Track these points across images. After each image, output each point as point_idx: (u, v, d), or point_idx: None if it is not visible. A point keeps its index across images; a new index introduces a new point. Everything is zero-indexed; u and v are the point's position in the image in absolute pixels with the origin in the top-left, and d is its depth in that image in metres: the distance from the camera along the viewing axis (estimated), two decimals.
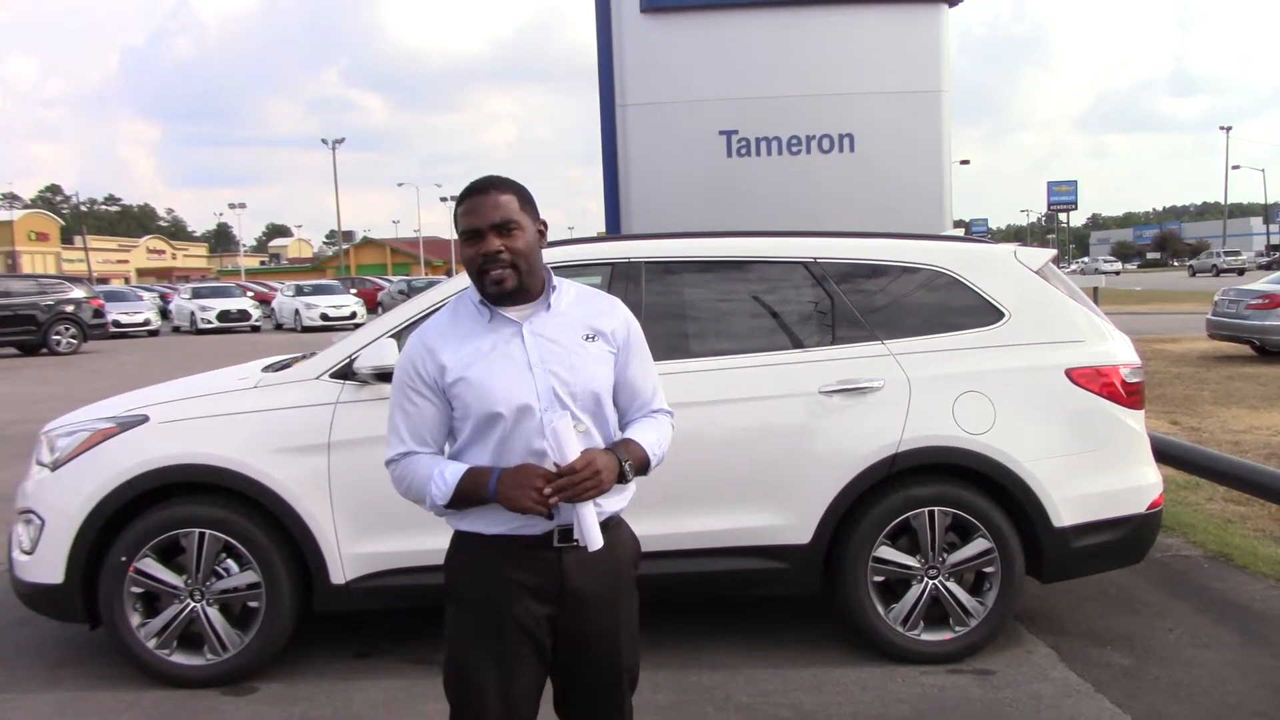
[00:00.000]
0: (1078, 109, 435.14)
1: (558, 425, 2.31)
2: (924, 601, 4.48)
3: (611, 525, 2.52)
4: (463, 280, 4.56)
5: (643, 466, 2.51)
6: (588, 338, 2.49)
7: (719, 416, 4.45)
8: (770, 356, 4.55)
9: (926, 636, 4.50)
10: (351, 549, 4.30)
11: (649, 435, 2.56)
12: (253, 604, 4.31)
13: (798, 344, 4.60)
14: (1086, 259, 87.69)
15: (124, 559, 4.22)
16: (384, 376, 4.27)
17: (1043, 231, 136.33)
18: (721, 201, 6.50)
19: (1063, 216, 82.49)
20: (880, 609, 4.48)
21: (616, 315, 2.58)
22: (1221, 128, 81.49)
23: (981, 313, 4.64)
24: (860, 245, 4.78)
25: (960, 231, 5.63)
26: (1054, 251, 5.01)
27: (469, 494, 2.37)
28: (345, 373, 4.37)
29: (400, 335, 4.40)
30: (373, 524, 4.29)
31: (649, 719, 3.99)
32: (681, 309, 4.74)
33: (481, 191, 2.41)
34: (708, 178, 6.59)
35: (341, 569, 4.30)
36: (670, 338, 4.59)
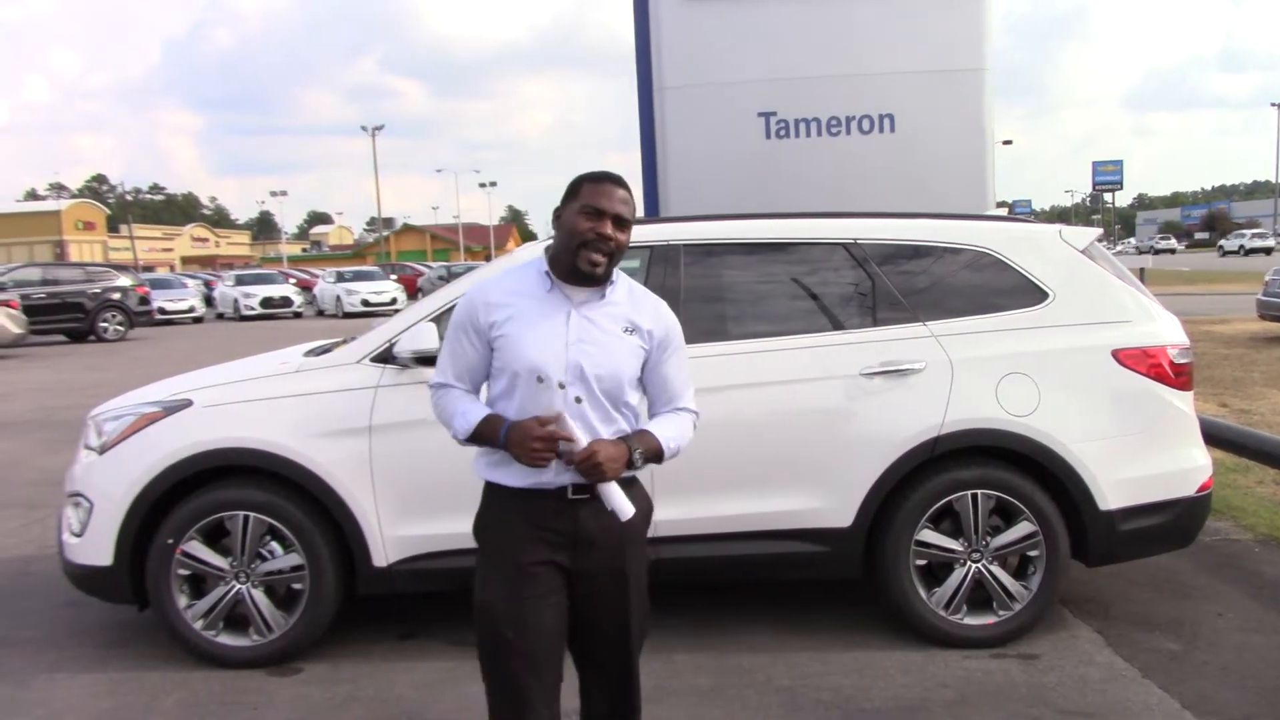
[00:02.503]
0: (1124, 87, 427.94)
1: (566, 419, 2.57)
2: (967, 585, 4.44)
3: (622, 484, 2.67)
4: (499, 265, 4.58)
5: (655, 456, 2.72)
6: (627, 330, 2.71)
7: (759, 399, 4.43)
8: (810, 338, 4.51)
9: (969, 620, 4.46)
10: (393, 532, 4.33)
11: (668, 430, 2.77)
12: (296, 586, 4.35)
13: (838, 326, 4.56)
14: (1133, 239, 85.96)
15: (170, 541, 4.28)
16: (424, 360, 4.30)
17: (1087, 212, 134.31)
18: (760, 184, 6.44)
19: (1108, 196, 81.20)
20: (923, 593, 4.44)
21: (660, 316, 2.79)
22: (1273, 104, 79.81)
23: (1025, 293, 4.58)
24: (901, 226, 4.72)
25: (1004, 212, 5.53)
26: (1099, 230, 4.93)
27: (485, 437, 2.64)
28: (385, 357, 4.39)
29: (440, 320, 4.41)
30: (414, 507, 4.32)
31: (690, 701, 4.01)
32: (721, 292, 4.71)
33: (615, 183, 2.68)
34: (746, 160, 6.53)
35: (384, 552, 4.33)
36: (709, 320, 4.57)
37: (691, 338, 4.51)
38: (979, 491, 4.41)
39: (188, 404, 4.43)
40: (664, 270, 4.55)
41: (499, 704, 2.68)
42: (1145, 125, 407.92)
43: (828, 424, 4.43)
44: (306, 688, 4.21)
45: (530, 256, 2.90)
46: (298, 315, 34.46)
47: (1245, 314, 18.01)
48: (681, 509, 4.38)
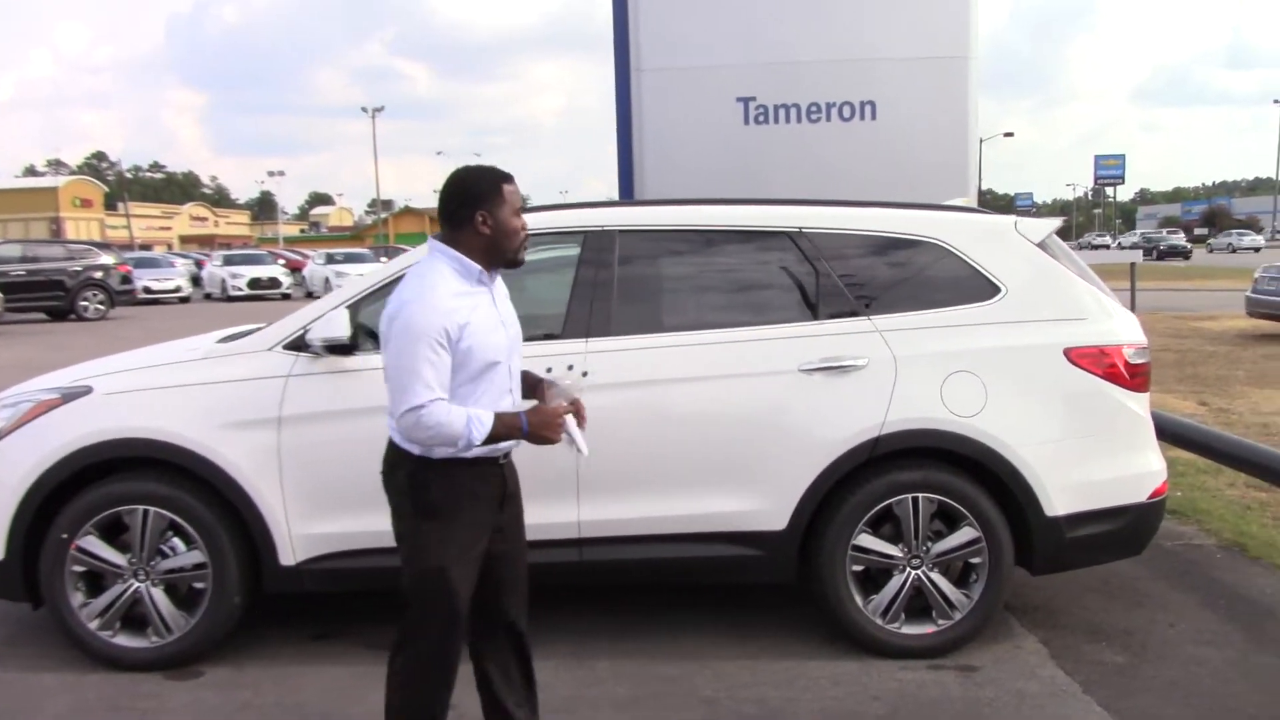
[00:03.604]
0: (1132, 82, 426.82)
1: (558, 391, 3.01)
2: (906, 593, 4.24)
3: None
4: (417, 254, 4.35)
5: None
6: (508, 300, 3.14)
7: (692, 394, 4.22)
8: (749, 331, 4.30)
9: (907, 630, 4.26)
10: (303, 529, 4.12)
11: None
12: (199, 585, 4.15)
13: (779, 319, 4.33)
14: (1132, 233, 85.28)
15: (65, 536, 4.07)
16: (336, 349, 4.09)
17: (1089, 206, 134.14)
18: (738, 171, 6.25)
19: (1109, 190, 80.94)
20: (859, 600, 4.24)
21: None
22: (1276, 101, 79.44)
23: (976, 287, 4.36)
24: (849, 215, 4.50)
25: (972, 203, 5.32)
26: (1059, 222, 4.69)
27: (500, 435, 2.90)
28: (298, 344, 4.18)
29: (357, 307, 4.21)
30: (325, 504, 4.12)
31: (605, 713, 3.82)
32: (657, 281, 4.51)
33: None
34: (724, 146, 6.34)
35: (292, 550, 4.13)
36: (644, 311, 4.38)
37: (624, 329, 4.38)
38: (920, 495, 4.20)
39: (87, 391, 4.22)
40: (598, 257, 4.34)
41: (433, 670, 3.03)
42: (1151, 120, 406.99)
43: (763, 422, 4.22)
44: (204, 692, 4.00)
45: (432, 260, 2.97)
46: (286, 297, 34.18)
47: (1236, 310, 17.79)
48: (608, 509, 4.18)
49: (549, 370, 3.54)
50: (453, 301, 2.85)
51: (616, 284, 4.32)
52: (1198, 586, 5.09)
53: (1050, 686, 4.00)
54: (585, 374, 3.79)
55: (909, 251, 4.43)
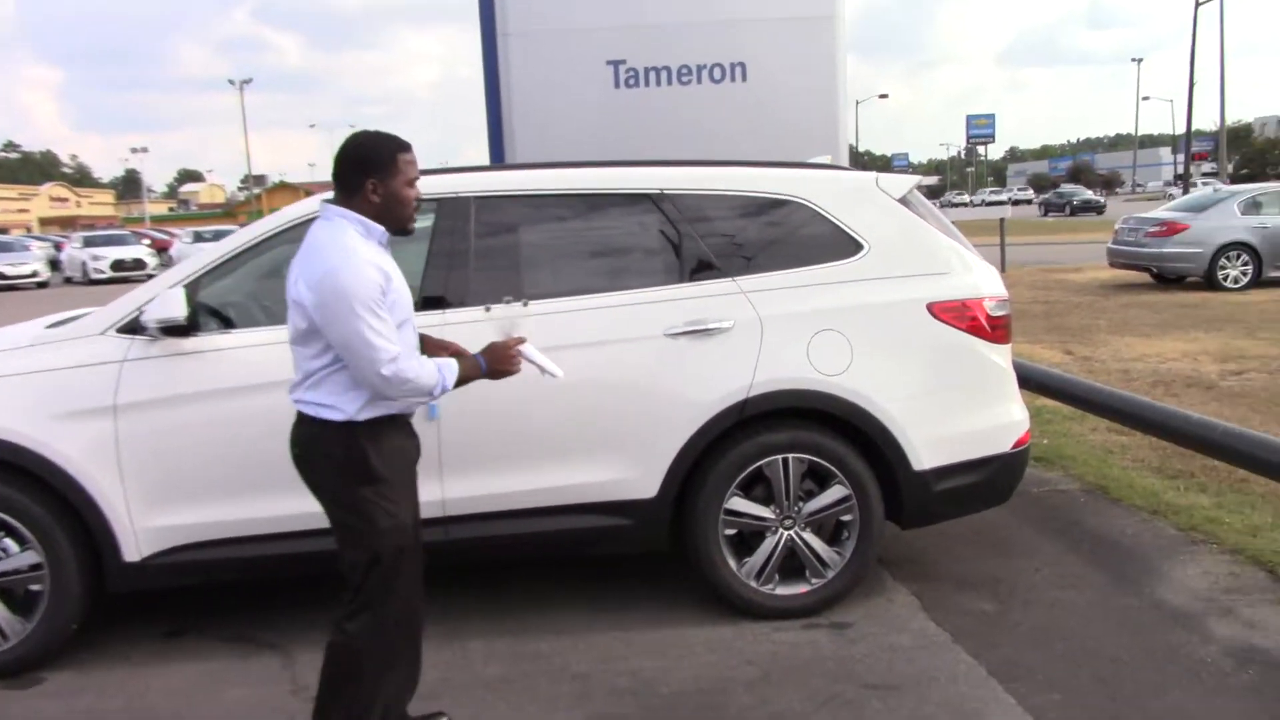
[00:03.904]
0: (999, 43, 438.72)
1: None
2: (779, 554, 4.22)
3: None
4: (259, 228, 4.13)
5: None
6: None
7: (555, 364, 4.09)
8: (611, 298, 4.19)
9: (782, 590, 4.25)
10: (146, 523, 3.89)
11: None
12: (35, 587, 3.87)
13: (642, 283, 4.24)
14: (998, 190, 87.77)
15: None
16: (172, 330, 3.85)
17: (962, 165, 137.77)
18: (611, 135, 6.11)
19: (981, 150, 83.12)
20: (733, 563, 4.21)
21: None
22: (1133, 59, 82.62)
23: (839, 245, 4.33)
24: (709, 175, 4.42)
25: (842, 162, 5.29)
26: (919, 178, 4.70)
27: (464, 378, 3.01)
28: (133, 327, 3.93)
29: (196, 285, 3.97)
30: (170, 494, 3.89)
31: (475, 694, 3.70)
32: (516, 248, 4.36)
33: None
34: (595, 110, 6.19)
35: (136, 545, 3.89)
36: (503, 279, 4.23)
37: (484, 297, 4.23)
38: (790, 455, 4.18)
39: None
40: (453, 225, 4.18)
41: (395, 624, 3.03)
42: (1019, 81, 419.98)
43: (629, 389, 4.13)
44: (43, 701, 3.75)
45: (336, 224, 2.92)
46: (152, 278, 32.81)
47: (1099, 262, 18.46)
48: (473, 484, 4.05)
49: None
50: (375, 259, 2.87)
51: (473, 253, 4.18)
52: (1063, 531, 5.22)
53: (921, 639, 4.04)
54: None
55: (772, 211, 4.37)
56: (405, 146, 2.99)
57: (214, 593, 4.50)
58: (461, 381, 3.00)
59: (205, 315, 3.96)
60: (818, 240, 4.34)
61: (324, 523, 3.05)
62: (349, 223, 2.92)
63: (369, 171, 2.91)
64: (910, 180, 4.60)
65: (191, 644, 4.21)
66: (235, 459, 3.91)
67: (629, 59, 6.25)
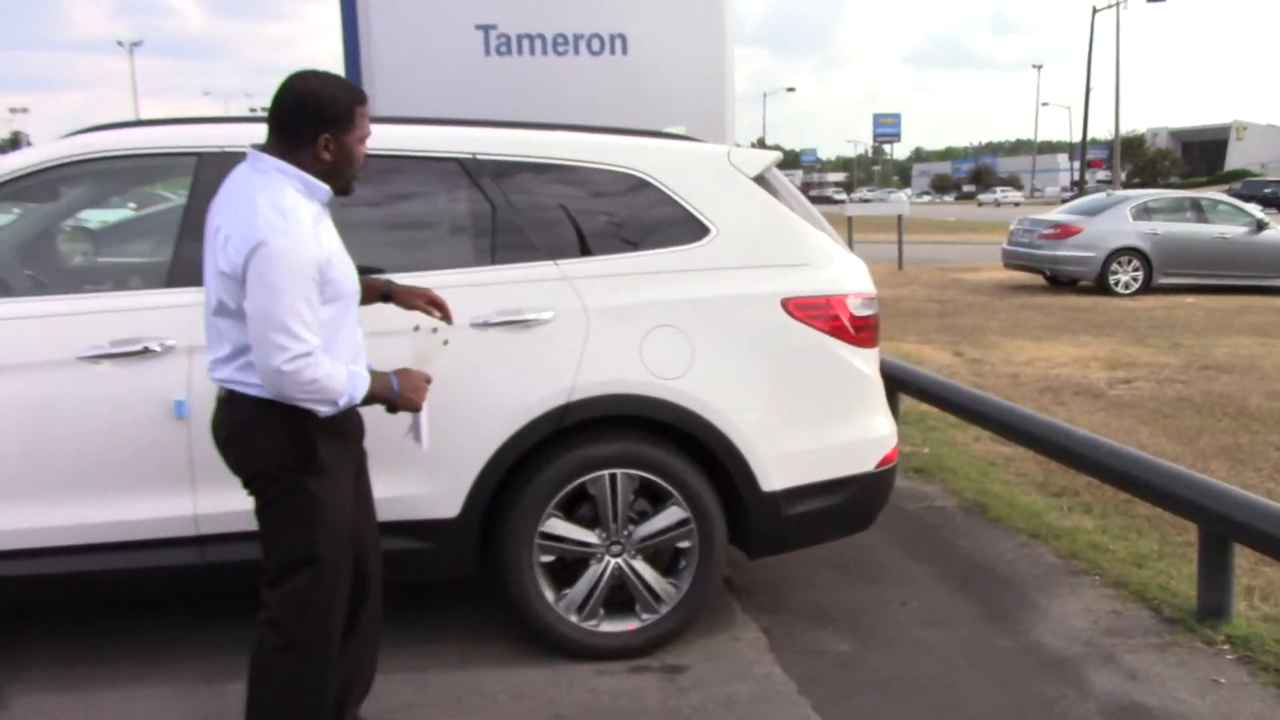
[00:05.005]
0: (906, 45, 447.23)
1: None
2: (605, 585, 3.61)
3: None
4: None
5: None
6: None
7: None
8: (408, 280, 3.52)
9: (607, 628, 3.64)
10: None
11: None
12: None
13: (446, 264, 3.57)
14: (889, 191, 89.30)
15: None
16: None
17: (869, 163, 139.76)
18: (479, 106, 5.39)
19: (887, 148, 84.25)
20: (549, 595, 3.59)
21: None
22: (1034, 66, 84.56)
23: (682, 227, 3.72)
24: (532, 139, 3.76)
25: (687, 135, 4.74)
26: (778, 155, 4.12)
27: (373, 395, 2.66)
28: None
29: None
30: None
31: None
32: None
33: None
34: (463, 79, 5.54)
35: None
36: None
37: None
38: (619, 471, 3.56)
39: None
40: (212, 188, 3.44)
41: (329, 649, 2.74)
42: (924, 82, 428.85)
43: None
44: None
45: (273, 179, 2.54)
46: None
47: (995, 262, 18.34)
48: (233, 497, 3.34)
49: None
50: (316, 228, 2.53)
51: None
52: (935, 555, 4.71)
53: (763, 687, 3.47)
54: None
55: (605, 184, 3.74)
56: (363, 98, 2.62)
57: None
58: (370, 399, 2.65)
59: None
60: (658, 221, 3.73)
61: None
62: (287, 178, 2.55)
63: (322, 125, 2.54)
64: (768, 156, 4.02)
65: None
66: (39, 457, 3.28)
67: (500, 24, 5.64)
